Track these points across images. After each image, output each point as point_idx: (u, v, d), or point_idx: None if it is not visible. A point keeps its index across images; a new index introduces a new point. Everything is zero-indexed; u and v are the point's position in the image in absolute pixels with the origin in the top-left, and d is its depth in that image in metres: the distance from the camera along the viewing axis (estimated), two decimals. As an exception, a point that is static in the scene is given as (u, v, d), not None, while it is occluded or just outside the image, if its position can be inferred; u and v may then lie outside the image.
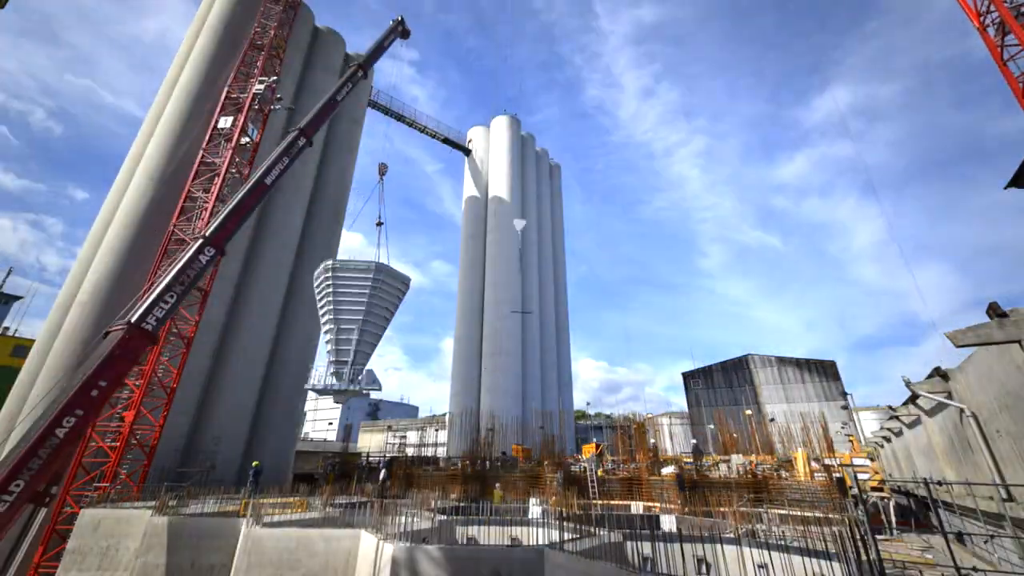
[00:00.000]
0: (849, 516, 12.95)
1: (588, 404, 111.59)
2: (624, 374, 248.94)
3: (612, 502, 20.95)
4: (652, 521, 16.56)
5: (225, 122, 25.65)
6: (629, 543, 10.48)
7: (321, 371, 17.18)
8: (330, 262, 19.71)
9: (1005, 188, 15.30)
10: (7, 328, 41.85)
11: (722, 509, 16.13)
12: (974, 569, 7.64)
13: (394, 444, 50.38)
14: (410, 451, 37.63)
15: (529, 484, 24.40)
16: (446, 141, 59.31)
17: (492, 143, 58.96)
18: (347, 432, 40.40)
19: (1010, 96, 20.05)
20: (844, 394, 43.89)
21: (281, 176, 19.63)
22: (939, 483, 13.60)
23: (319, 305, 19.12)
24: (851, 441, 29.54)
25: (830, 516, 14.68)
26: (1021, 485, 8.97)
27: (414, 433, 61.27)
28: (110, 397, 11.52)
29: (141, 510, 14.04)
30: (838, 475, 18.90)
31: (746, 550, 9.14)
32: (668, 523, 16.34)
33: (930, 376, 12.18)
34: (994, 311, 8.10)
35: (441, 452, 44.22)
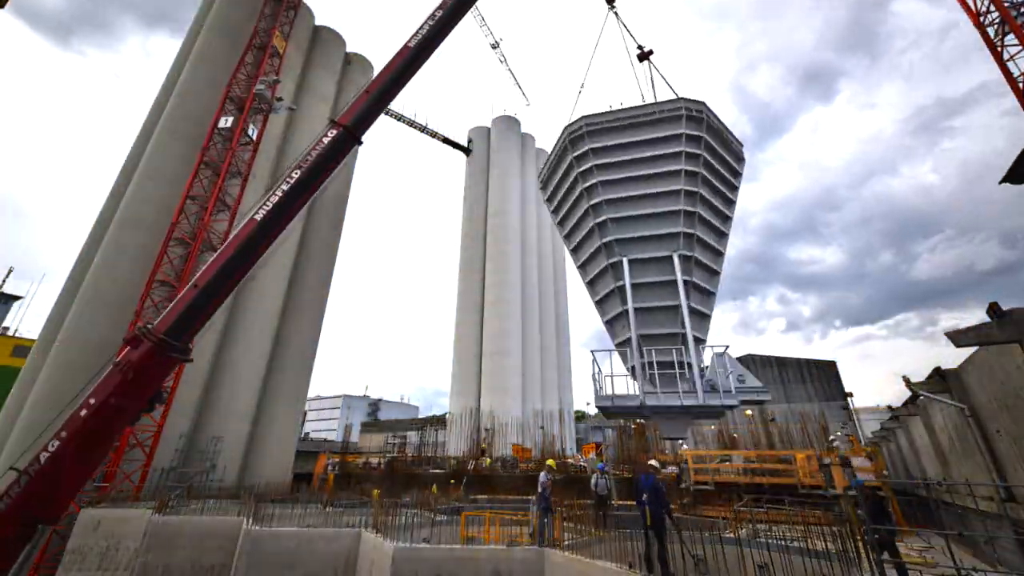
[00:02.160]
0: (849, 516, 12.94)
1: (588, 404, 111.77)
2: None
3: (612, 502, 20.92)
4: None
5: (226, 122, 25.66)
6: (629, 543, 10.48)
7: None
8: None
9: (1000, 183, 15.18)
10: (7, 328, 41.87)
11: (722, 509, 16.12)
12: (974, 569, 7.63)
13: (394, 444, 50.38)
14: (410, 451, 37.63)
15: (529, 484, 24.39)
16: (446, 141, 59.40)
17: (492, 143, 59.01)
18: (347, 432, 40.54)
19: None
20: (844, 394, 43.99)
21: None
22: (939, 483, 13.61)
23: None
24: (851, 441, 29.53)
25: (830, 516, 14.66)
26: (1021, 485, 8.99)
27: (414, 433, 61.28)
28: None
29: (141, 510, 14.05)
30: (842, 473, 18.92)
31: (746, 550, 9.14)
32: (668, 523, 16.29)
33: (930, 376, 12.20)
34: (994, 311, 8.10)
35: (441, 452, 44.19)
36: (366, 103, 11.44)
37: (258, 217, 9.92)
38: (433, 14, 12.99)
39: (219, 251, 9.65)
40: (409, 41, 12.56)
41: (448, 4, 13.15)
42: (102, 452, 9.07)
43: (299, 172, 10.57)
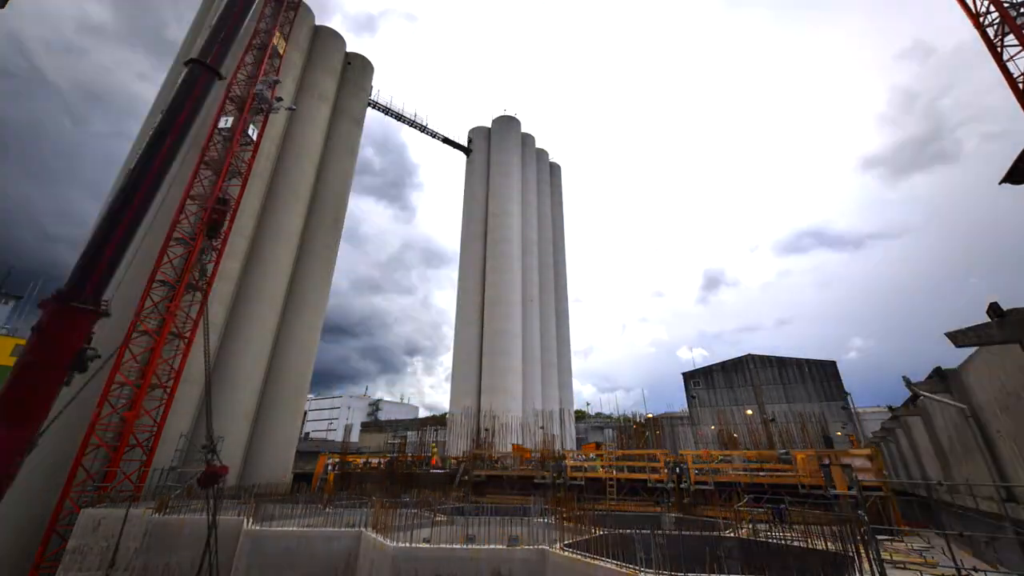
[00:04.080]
0: (849, 516, 12.94)
1: (588, 404, 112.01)
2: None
3: (611, 502, 20.93)
4: (652, 521, 16.55)
5: (225, 122, 25.65)
6: (630, 543, 10.48)
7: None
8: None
9: (1000, 184, 15.11)
10: (7, 328, 41.83)
11: (722, 509, 16.12)
12: (974, 569, 7.64)
13: (394, 444, 50.38)
14: (410, 451, 37.63)
15: (529, 484, 24.38)
16: (446, 141, 59.39)
17: (492, 143, 58.98)
18: (347, 432, 40.60)
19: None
20: (844, 394, 43.98)
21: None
22: (939, 483, 13.61)
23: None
24: (851, 441, 29.55)
25: (830, 516, 14.67)
26: (1021, 485, 8.98)
27: (414, 433, 61.27)
28: None
29: (141, 510, 14.05)
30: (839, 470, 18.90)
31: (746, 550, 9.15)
32: (668, 523, 16.33)
33: (930, 376, 12.20)
34: (994, 311, 8.10)
35: (442, 452, 44.18)
36: (211, 35, 14.66)
37: (132, 164, 11.42)
38: None
39: (106, 204, 11.34)
40: None
41: None
42: (36, 412, 9.37)
43: (164, 112, 12.49)
